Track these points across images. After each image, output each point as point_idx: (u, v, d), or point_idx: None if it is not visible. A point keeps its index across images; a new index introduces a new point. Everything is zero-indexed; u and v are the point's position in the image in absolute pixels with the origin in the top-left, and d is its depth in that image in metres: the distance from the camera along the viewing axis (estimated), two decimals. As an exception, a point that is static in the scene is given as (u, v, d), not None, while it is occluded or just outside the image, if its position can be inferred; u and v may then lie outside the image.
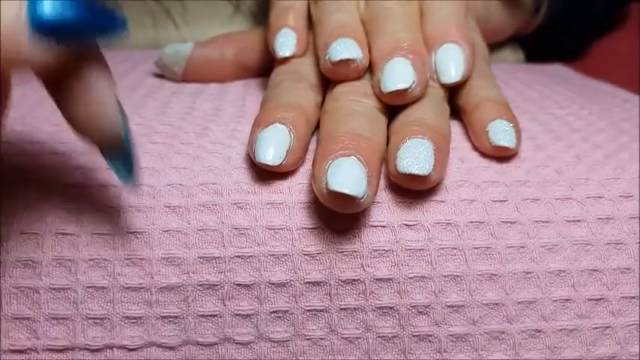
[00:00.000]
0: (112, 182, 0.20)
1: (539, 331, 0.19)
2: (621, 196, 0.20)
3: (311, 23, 0.24)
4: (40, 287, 0.18)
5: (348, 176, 0.17)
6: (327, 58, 0.21)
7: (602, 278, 0.19)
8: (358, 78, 0.22)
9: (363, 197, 0.18)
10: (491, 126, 0.21)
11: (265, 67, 0.27)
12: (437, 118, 0.20)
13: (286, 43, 0.23)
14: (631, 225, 0.20)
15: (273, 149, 0.19)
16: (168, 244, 0.19)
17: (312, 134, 0.21)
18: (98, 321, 0.18)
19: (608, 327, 0.19)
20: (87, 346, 0.18)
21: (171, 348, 0.18)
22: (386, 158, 0.19)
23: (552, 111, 0.26)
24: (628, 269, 0.19)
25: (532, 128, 0.24)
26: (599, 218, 0.20)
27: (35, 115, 0.23)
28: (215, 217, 0.19)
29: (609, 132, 0.24)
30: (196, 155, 0.21)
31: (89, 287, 0.18)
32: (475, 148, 0.22)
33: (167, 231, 0.19)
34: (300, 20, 0.24)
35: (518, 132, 0.21)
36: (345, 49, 0.21)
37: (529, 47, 0.36)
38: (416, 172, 0.18)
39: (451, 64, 0.22)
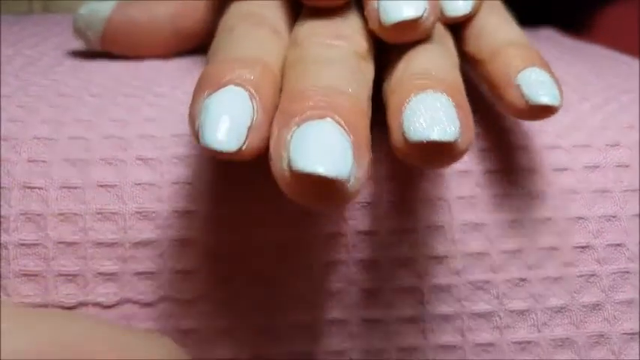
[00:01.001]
0: (80, 135, 0.18)
1: (523, 279, 0.18)
2: (608, 145, 0.19)
3: None
4: (9, 243, 0.17)
5: (322, 148, 0.12)
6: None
7: (588, 226, 0.18)
8: (335, 11, 0.16)
9: (348, 180, 0.12)
10: (521, 77, 0.15)
11: (211, 36, 0.22)
12: (450, 68, 0.15)
13: None
14: (617, 173, 0.19)
15: (227, 125, 0.12)
16: (140, 198, 0.17)
17: None
18: (70, 278, 0.17)
19: (593, 275, 0.18)
20: (60, 303, 0.17)
21: (148, 305, 0.17)
22: (387, 125, 0.14)
23: None
24: (614, 217, 0.18)
25: None
26: (586, 166, 0.19)
27: (4, 71, 0.21)
28: (188, 171, 0.18)
29: (598, 85, 0.22)
30: (169, 106, 0.19)
31: (60, 243, 0.17)
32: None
33: (139, 184, 0.18)
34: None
35: (559, 85, 0.16)
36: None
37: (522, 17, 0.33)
38: (436, 139, 0.12)
39: None
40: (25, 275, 0.17)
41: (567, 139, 0.19)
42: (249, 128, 0.13)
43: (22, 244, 0.17)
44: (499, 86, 0.16)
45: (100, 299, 0.17)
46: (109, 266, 0.17)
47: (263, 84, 0.13)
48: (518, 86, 0.15)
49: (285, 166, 0.12)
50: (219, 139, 0.12)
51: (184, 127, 0.19)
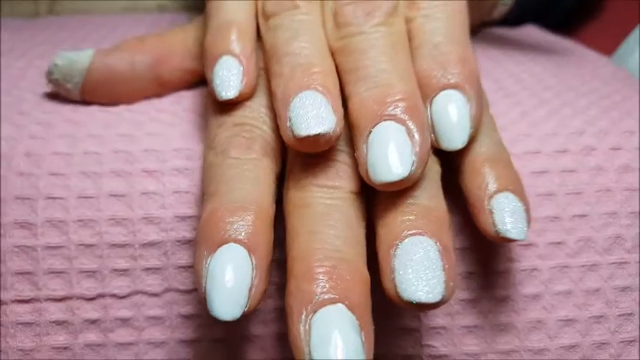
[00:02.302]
0: (93, 150, 0.20)
1: (531, 244, 0.19)
2: (556, 151, 0.20)
3: (260, 42, 0.18)
4: (38, 246, 0.19)
5: (341, 346, 0.12)
6: (288, 127, 0.15)
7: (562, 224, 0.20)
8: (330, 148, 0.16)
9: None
10: (494, 204, 0.15)
11: (190, 80, 0.21)
12: (433, 196, 0.15)
13: (229, 78, 0.16)
14: (562, 177, 0.20)
15: (231, 297, 0.14)
16: (146, 206, 0.19)
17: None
18: (89, 273, 0.19)
19: (589, 239, 0.19)
20: (82, 295, 0.19)
21: (155, 295, 0.19)
22: (378, 265, 0.14)
23: (508, 67, 0.25)
24: (584, 215, 0.20)
25: (485, 86, 0.24)
26: (533, 172, 0.20)
27: (19, 86, 0.23)
28: (187, 181, 0.20)
29: (557, 89, 0.23)
30: (170, 122, 0.21)
31: (80, 245, 0.19)
32: None
33: (145, 193, 0.19)
34: (246, 42, 0.17)
35: (527, 211, 0.16)
36: (313, 120, 0.14)
37: None
38: (424, 301, 0.13)
39: (454, 125, 0.16)
40: (52, 272, 0.19)
41: (519, 146, 0.21)
42: (250, 290, 0.14)
43: (49, 247, 0.19)
44: (474, 207, 0.16)
45: (116, 291, 0.19)
46: (122, 264, 0.19)
47: (258, 234, 0.14)
48: (490, 212, 0.16)
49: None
50: (227, 310, 0.14)
51: (183, 142, 0.20)
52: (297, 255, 0.14)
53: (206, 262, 0.14)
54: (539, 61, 0.26)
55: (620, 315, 0.19)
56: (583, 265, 0.19)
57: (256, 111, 0.17)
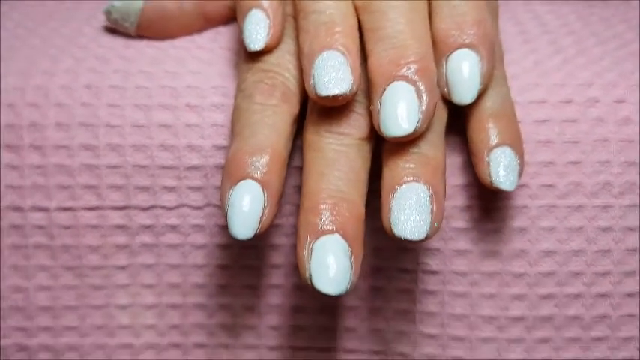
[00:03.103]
0: (143, 84, 0.22)
1: (524, 185, 0.20)
2: (561, 102, 0.21)
3: None
4: (101, 165, 0.22)
5: (332, 268, 0.15)
6: (311, 84, 0.17)
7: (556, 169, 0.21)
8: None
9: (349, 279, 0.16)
10: (492, 157, 0.17)
11: (231, 15, 0.22)
12: (434, 146, 0.17)
13: (257, 31, 0.18)
14: (563, 127, 0.21)
15: (245, 222, 0.16)
16: (189, 136, 0.21)
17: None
18: (144, 189, 0.22)
19: (579, 184, 0.20)
20: (138, 206, 0.22)
21: (198, 208, 0.22)
22: (381, 204, 0.17)
23: (535, 7, 0.25)
24: (578, 162, 0.20)
25: (506, 30, 0.23)
26: (536, 121, 0.21)
27: (76, 17, 0.24)
28: (223, 116, 0.21)
29: (578, 34, 0.23)
30: (209, 60, 0.22)
31: (135, 166, 0.22)
32: None
33: (188, 125, 0.21)
34: None
35: (521, 165, 0.18)
36: (333, 79, 0.16)
37: None
38: (409, 238, 0.16)
39: (466, 81, 0.17)
40: (113, 187, 0.22)
41: (526, 95, 0.21)
42: (261, 217, 0.17)
43: (110, 167, 0.22)
44: (475, 157, 0.18)
45: (165, 204, 0.22)
46: (170, 182, 0.22)
47: (271, 174, 0.17)
48: (487, 164, 0.17)
49: (307, 268, 0.16)
50: (241, 232, 0.16)
51: (220, 80, 0.22)
52: (307, 192, 0.17)
53: (228, 194, 0.17)
54: None
55: (597, 251, 0.21)
56: (569, 207, 0.21)
57: (281, 57, 0.18)
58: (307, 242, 0.16)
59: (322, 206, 0.16)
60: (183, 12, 0.22)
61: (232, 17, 0.22)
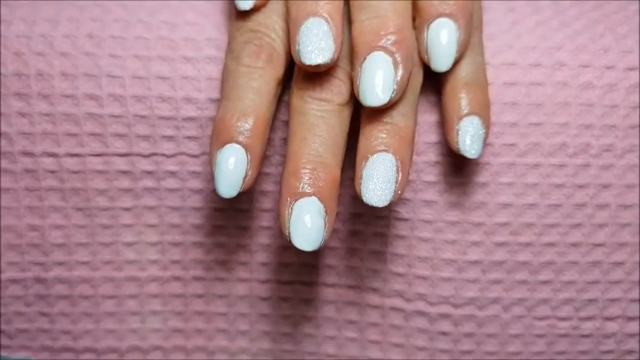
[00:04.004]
0: (142, 35, 0.20)
1: (488, 144, 0.20)
2: (530, 65, 0.20)
3: None
4: (104, 114, 0.21)
5: (308, 228, 0.15)
6: (296, 50, 0.16)
7: (519, 129, 0.21)
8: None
9: (322, 238, 0.16)
10: (462, 125, 0.17)
11: None
12: (405, 116, 0.17)
13: None
14: (529, 89, 0.20)
15: (230, 183, 0.16)
16: (186, 88, 0.21)
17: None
18: (145, 137, 0.22)
19: (538, 144, 0.20)
20: (140, 153, 0.21)
21: (195, 156, 0.22)
22: (354, 171, 0.16)
23: None
24: (539, 124, 0.20)
25: None
26: (505, 83, 0.20)
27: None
28: (217, 69, 0.21)
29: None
30: (205, 12, 0.22)
31: (135, 115, 0.21)
32: None
33: (185, 77, 0.21)
34: None
35: (487, 133, 0.18)
36: (317, 49, 0.16)
37: None
38: (375, 205, 0.16)
39: (443, 49, 0.17)
40: (116, 135, 0.21)
41: (499, 57, 0.21)
42: (244, 178, 0.16)
43: (112, 116, 0.21)
44: (447, 124, 0.18)
45: (165, 152, 0.21)
46: (169, 131, 0.21)
47: (255, 137, 0.16)
48: (457, 132, 0.17)
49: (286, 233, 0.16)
50: (226, 191, 0.16)
51: (216, 33, 0.21)
52: (290, 155, 0.17)
53: (215, 155, 0.16)
54: None
55: (549, 205, 0.20)
56: (527, 164, 0.20)
57: (269, 18, 0.17)
58: (288, 202, 0.16)
59: (302, 170, 0.16)
60: None
61: None
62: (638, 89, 0.19)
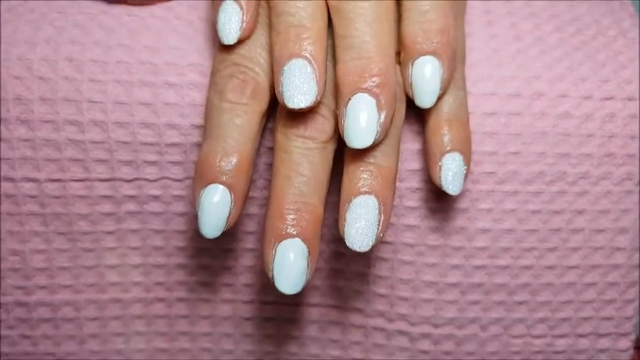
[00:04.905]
0: (124, 60, 0.20)
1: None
2: (509, 95, 0.21)
3: None
4: (86, 140, 0.21)
5: (291, 271, 0.16)
6: (280, 91, 0.16)
7: (497, 158, 0.21)
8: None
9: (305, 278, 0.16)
10: (444, 162, 0.17)
11: None
12: (388, 156, 0.17)
13: (230, 24, 0.17)
14: (508, 119, 0.21)
15: (213, 223, 0.16)
16: (169, 114, 0.21)
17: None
18: (127, 163, 0.22)
19: (516, 172, 0.20)
20: (122, 178, 0.21)
21: (178, 180, 0.22)
22: (338, 211, 0.17)
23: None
24: (517, 153, 0.21)
25: (473, 5, 0.21)
26: (485, 113, 0.21)
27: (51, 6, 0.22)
28: (201, 95, 0.21)
29: (541, 16, 0.21)
30: (187, 34, 0.21)
31: (118, 142, 0.21)
32: None
33: (167, 104, 0.21)
34: None
35: (468, 170, 0.18)
36: (299, 92, 0.16)
37: None
38: (357, 250, 0.16)
39: (427, 87, 0.17)
40: (98, 160, 0.21)
41: (479, 86, 0.21)
42: (228, 217, 0.16)
43: (94, 142, 0.21)
44: (430, 159, 0.18)
45: (147, 176, 0.21)
46: (152, 157, 0.21)
47: (238, 177, 0.16)
48: (440, 167, 0.17)
49: (270, 267, 0.16)
50: (210, 232, 0.17)
51: (199, 58, 0.21)
52: (274, 195, 0.17)
53: (199, 194, 0.16)
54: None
55: (526, 230, 0.21)
56: (506, 192, 0.21)
57: (253, 50, 0.17)
58: (272, 244, 0.16)
59: (286, 212, 0.16)
60: None
61: None
62: (613, 118, 0.20)
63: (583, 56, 0.20)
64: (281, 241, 0.16)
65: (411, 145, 0.20)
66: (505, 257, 0.21)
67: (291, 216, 0.16)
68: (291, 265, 0.16)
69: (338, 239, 0.21)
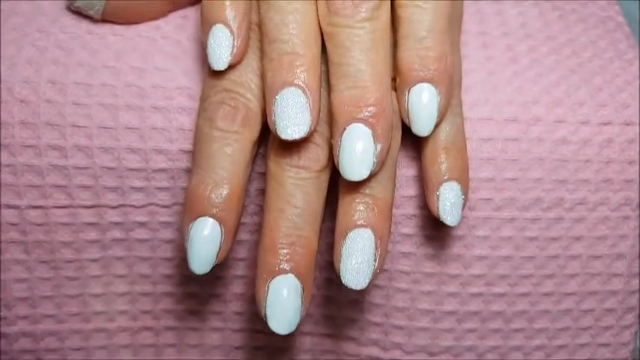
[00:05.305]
0: (109, 82, 0.19)
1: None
2: (506, 120, 0.20)
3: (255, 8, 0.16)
4: (69, 166, 0.20)
5: (284, 311, 0.15)
6: (272, 121, 0.15)
7: (495, 184, 0.20)
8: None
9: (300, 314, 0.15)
10: (442, 191, 0.17)
11: None
12: (384, 187, 0.16)
13: (220, 50, 0.16)
14: (505, 145, 0.20)
15: (202, 259, 0.16)
16: (156, 139, 0.20)
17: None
18: (113, 189, 0.21)
19: (513, 199, 0.20)
20: (108, 205, 0.21)
21: (166, 206, 0.21)
22: (333, 245, 0.16)
23: (504, 8, 0.22)
24: (514, 179, 0.20)
25: (468, 30, 0.21)
26: (481, 139, 0.20)
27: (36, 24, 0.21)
28: (189, 120, 0.20)
29: (537, 37, 0.21)
30: (174, 55, 0.21)
31: (103, 167, 0.21)
32: None
33: (155, 128, 0.20)
34: (239, 11, 0.16)
35: (465, 199, 0.18)
36: (292, 123, 0.15)
37: None
38: (353, 288, 0.16)
39: (424, 115, 0.16)
40: (82, 186, 0.20)
41: (476, 110, 0.21)
42: (218, 251, 0.16)
43: (78, 167, 0.20)
44: (427, 187, 0.17)
45: (134, 203, 0.20)
46: (138, 183, 0.20)
47: (228, 210, 0.16)
48: (437, 197, 0.17)
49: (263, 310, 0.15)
50: (199, 268, 0.16)
51: (187, 80, 0.20)
52: (266, 228, 0.16)
53: (188, 228, 0.16)
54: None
55: (523, 257, 0.20)
56: (502, 218, 0.20)
57: (244, 75, 0.17)
58: (265, 280, 0.15)
59: (279, 246, 0.15)
60: (150, 1, 0.19)
61: None
62: (610, 144, 0.20)
63: (580, 80, 0.20)
64: (274, 277, 0.15)
65: (406, 171, 0.20)
66: (502, 284, 0.20)
67: (285, 250, 0.15)
68: (284, 303, 0.15)
69: (331, 265, 0.21)
